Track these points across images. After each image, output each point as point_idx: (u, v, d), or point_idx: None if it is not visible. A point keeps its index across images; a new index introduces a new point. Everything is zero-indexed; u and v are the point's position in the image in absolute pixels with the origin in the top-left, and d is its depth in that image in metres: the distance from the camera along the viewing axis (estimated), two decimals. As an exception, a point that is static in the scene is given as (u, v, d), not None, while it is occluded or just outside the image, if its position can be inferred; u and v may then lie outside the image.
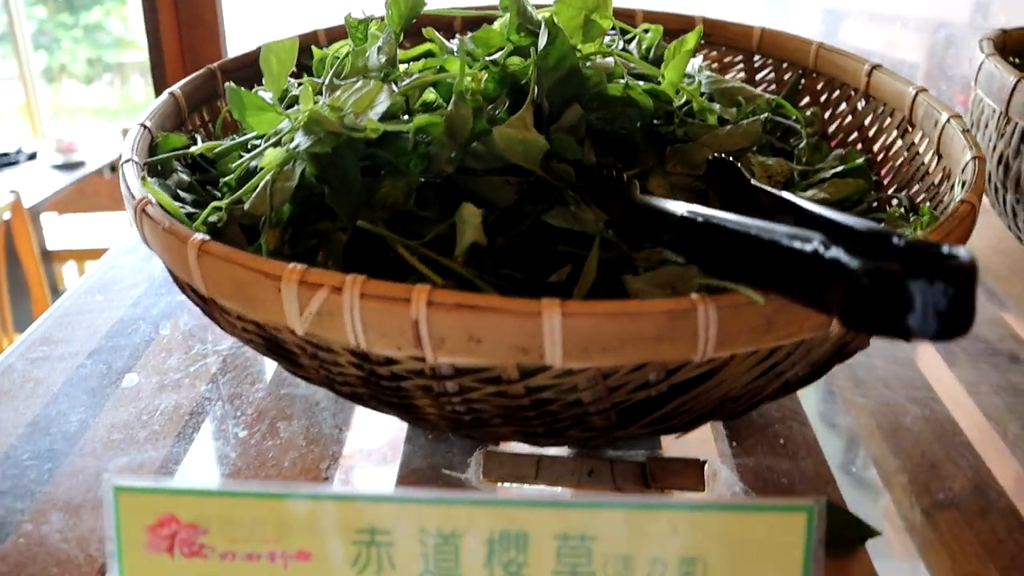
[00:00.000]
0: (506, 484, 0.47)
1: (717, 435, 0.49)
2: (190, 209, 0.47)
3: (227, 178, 0.48)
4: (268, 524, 0.32)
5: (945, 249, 0.27)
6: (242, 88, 0.48)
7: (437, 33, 0.57)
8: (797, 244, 0.31)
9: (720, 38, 0.73)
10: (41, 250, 2.28)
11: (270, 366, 0.55)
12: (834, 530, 0.41)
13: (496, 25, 0.54)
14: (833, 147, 0.60)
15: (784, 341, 0.36)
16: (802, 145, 0.56)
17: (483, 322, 0.33)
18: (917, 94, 0.53)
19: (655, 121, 0.53)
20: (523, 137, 0.44)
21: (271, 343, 0.41)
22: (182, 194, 0.49)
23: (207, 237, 0.38)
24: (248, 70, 0.62)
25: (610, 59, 0.54)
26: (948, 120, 0.50)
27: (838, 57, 0.63)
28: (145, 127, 0.51)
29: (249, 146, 0.51)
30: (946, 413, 0.51)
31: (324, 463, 0.47)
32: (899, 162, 0.55)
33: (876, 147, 0.58)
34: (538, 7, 0.54)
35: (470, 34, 0.54)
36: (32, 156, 2.49)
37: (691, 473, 0.45)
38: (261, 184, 0.44)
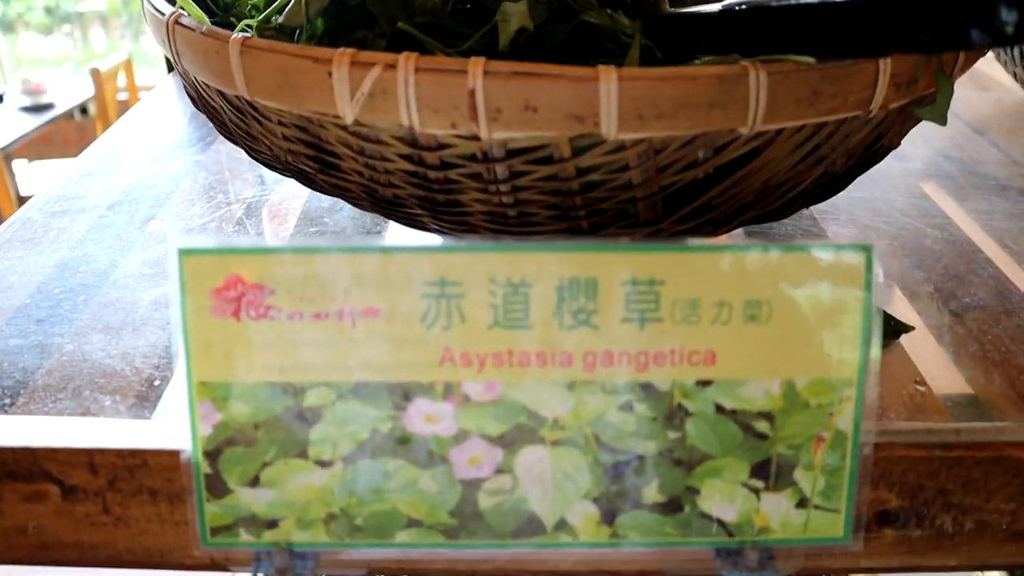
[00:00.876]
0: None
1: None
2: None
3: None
4: (336, 281, 0.32)
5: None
6: None
7: None
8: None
9: None
10: (17, 196, 2.24)
11: (296, 207, 0.55)
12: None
13: None
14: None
15: (828, 117, 0.36)
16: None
17: (540, 89, 0.34)
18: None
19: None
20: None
21: (313, 147, 0.41)
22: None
23: (248, 34, 0.38)
24: None
25: None
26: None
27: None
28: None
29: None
30: (964, 235, 0.53)
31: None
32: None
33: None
34: None
35: None
36: (-1, 98, 2.43)
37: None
38: (295, -5, 0.44)
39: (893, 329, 0.44)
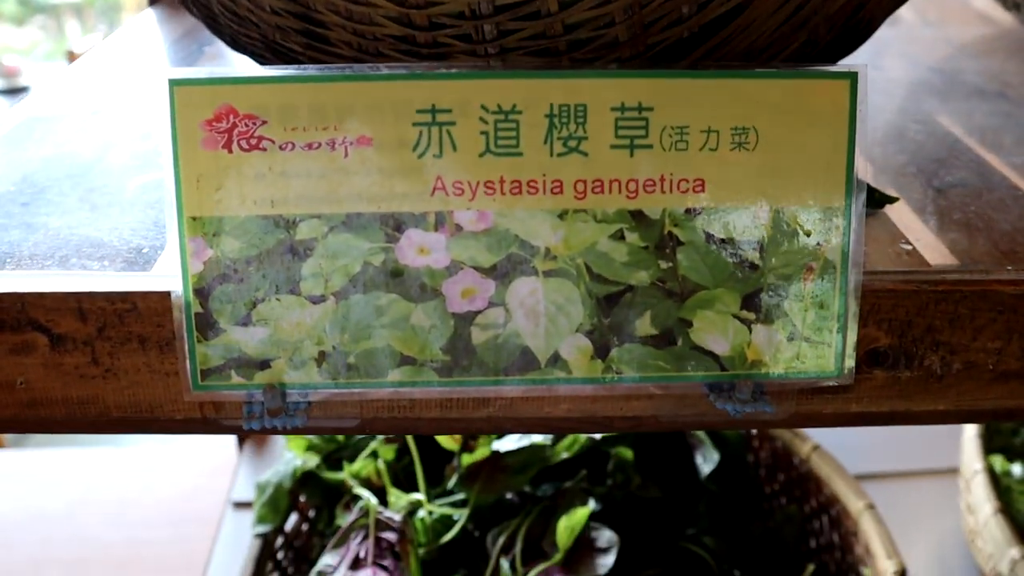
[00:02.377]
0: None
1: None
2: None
3: None
4: (327, 110, 0.32)
5: None
6: None
7: None
8: None
9: None
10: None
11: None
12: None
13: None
14: None
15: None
16: None
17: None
18: None
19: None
20: None
21: (301, 18, 0.41)
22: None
23: None
24: None
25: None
26: None
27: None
28: None
29: None
30: (945, 129, 0.53)
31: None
32: None
33: None
34: None
35: None
36: (-27, 83, 2.41)
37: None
38: None
39: (877, 200, 0.44)
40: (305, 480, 0.74)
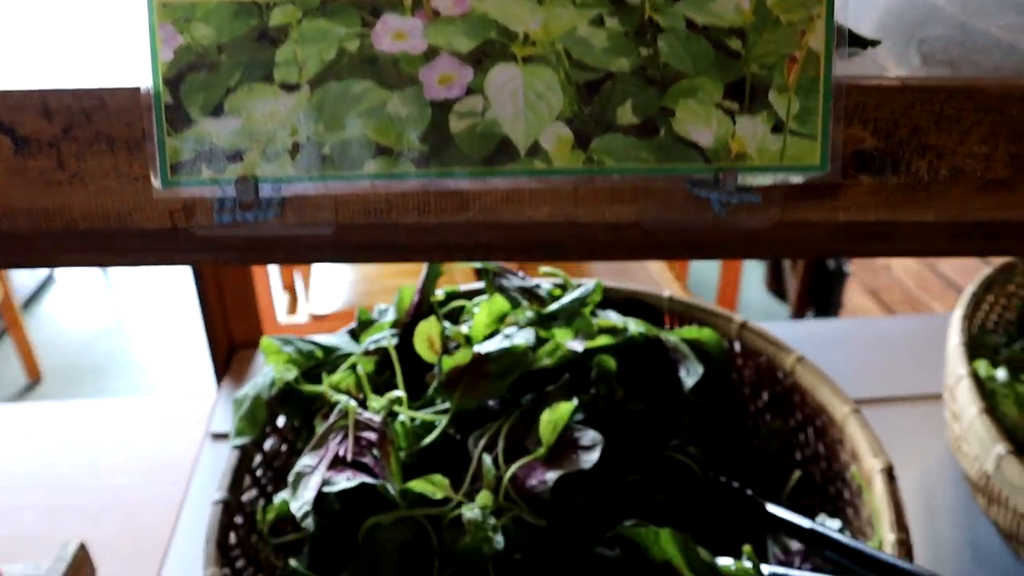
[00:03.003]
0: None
1: None
2: None
3: None
4: None
5: None
6: None
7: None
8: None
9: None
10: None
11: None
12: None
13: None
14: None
15: None
16: None
17: None
18: None
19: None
20: None
21: None
22: None
23: None
24: None
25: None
26: None
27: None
28: None
29: None
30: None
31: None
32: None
33: None
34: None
35: None
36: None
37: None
38: None
39: (860, 41, 0.44)
40: (284, 396, 0.73)
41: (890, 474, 0.63)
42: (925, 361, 0.97)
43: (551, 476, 0.59)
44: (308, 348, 0.75)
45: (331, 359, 0.75)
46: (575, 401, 0.63)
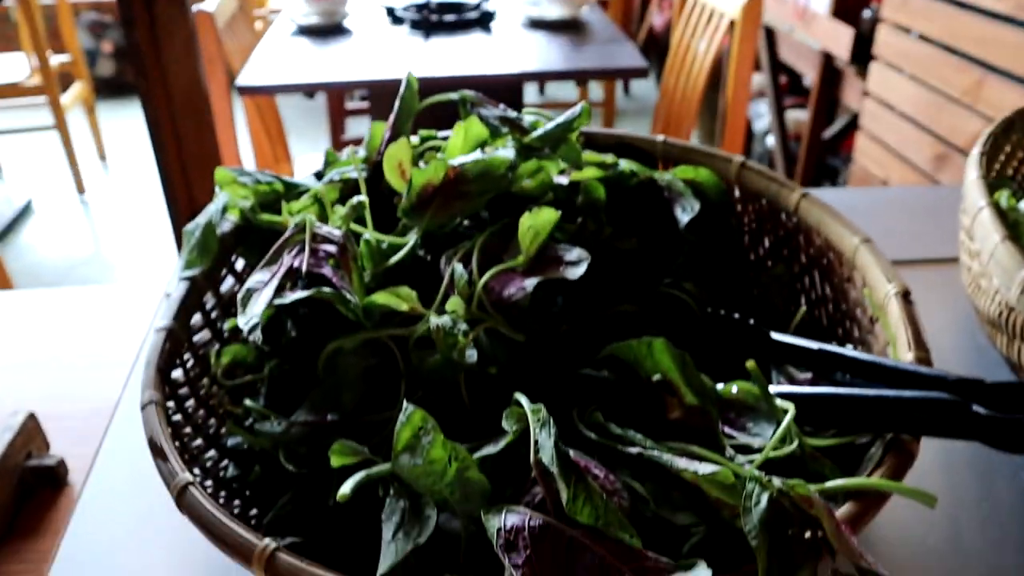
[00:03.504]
0: None
1: None
2: None
3: None
4: None
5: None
6: None
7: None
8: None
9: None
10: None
11: None
12: None
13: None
14: None
15: None
16: None
17: None
18: None
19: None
20: None
21: None
22: None
23: None
24: None
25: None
26: None
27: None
28: None
29: None
30: None
31: None
32: None
33: None
34: None
35: None
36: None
37: None
38: None
39: None
40: (240, 233, 0.66)
41: (907, 298, 0.57)
42: (939, 228, 0.91)
43: (530, 283, 0.53)
44: (267, 180, 0.68)
45: (292, 193, 0.68)
46: (559, 212, 0.56)
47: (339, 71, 1.96)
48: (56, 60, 3.10)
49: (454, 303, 0.52)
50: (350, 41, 2.24)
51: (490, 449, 0.45)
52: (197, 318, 0.64)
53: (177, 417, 0.57)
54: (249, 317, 0.53)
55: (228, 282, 0.69)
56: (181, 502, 0.46)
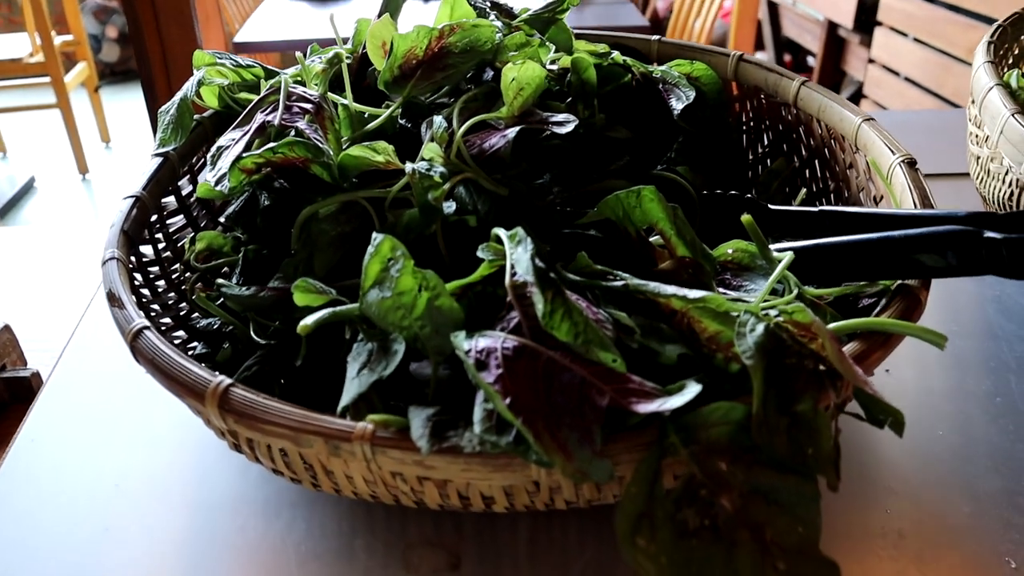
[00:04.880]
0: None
1: None
2: None
3: None
4: None
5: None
6: None
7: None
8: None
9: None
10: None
11: None
12: None
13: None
14: None
15: None
16: None
17: None
18: None
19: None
20: None
21: None
22: None
23: None
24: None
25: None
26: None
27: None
28: None
29: None
30: None
31: None
32: None
33: None
34: None
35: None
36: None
37: None
38: None
39: None
40: (220, 120, 0.64)
41: (913, 166, 0.54)
42: (948, 146, 0.88)
43: (511, 131, 0.50)
44: (247, 64, 0.65)
45: (272, 77, 0.66)
46: (545, 70, 0.53)
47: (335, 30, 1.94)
48: (60, 40, 3.09)
49: (431, 149, 0.49)
50: (349, 4, 2.22)
51: (463, 280, 0.42)
52: (171, 202, 0.62)
53: (145, 291, 0.55)
54: (217, 170, 0.50)
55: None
56: (136, 347, 0.43)
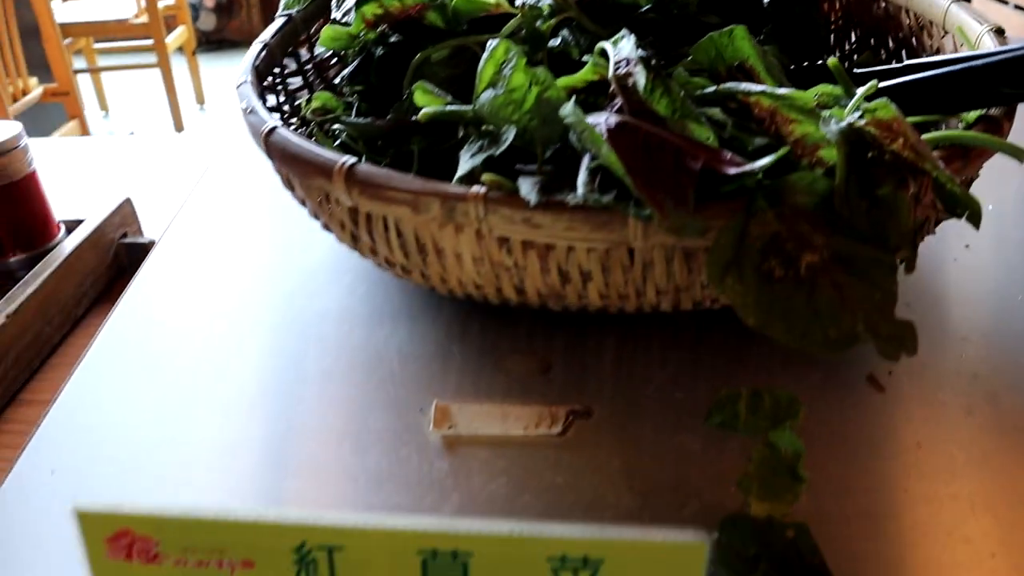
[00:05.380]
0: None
1: None
2: None
3: None
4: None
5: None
6: None
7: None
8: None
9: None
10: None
11: None
12: None
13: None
14: None
15: None
16: None
17: None
18: None
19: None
20: None
21: None
22: None
23: None
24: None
25: None
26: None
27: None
28: None
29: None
30: None
31: None
32: None
33: None
34: None
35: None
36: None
37: None
38: None
39: None
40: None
41: (1001, 34, 0.56)
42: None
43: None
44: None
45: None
46: None
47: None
48: (162, 4, 3.24)
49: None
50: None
51: (570, 78, 0.46)
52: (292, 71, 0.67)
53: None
54: (344, 7, 0.55)
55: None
56: (269, 141, 0.48)
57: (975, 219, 0.41)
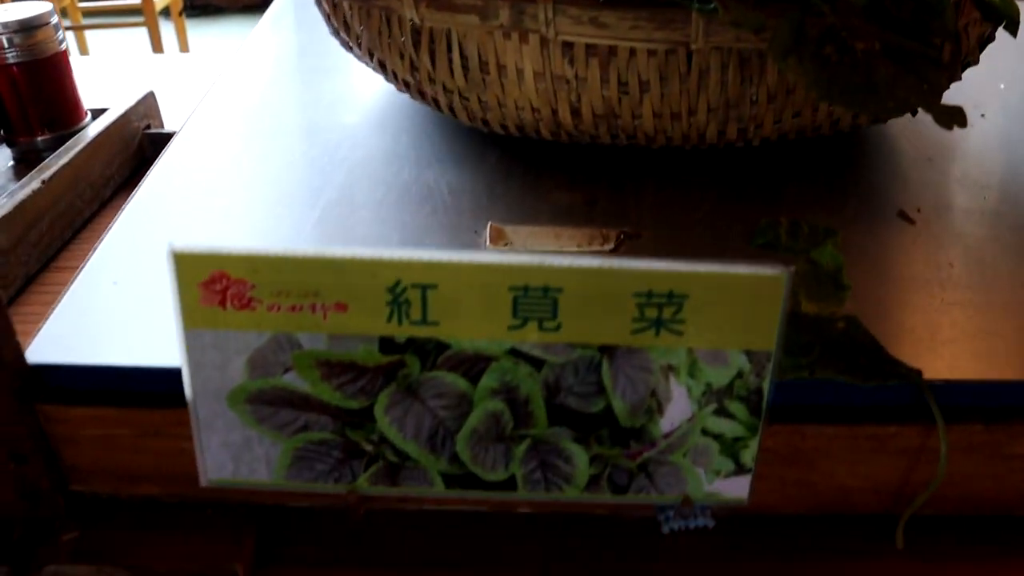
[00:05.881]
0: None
1: None
2: None
3: None
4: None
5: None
6: None
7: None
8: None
9: None
10: None
11: None
12: None
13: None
14: None
15: None
16: None
17: None
18: None
19: None
20: None
21: None
22: None
23: None
24: None
25: None
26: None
27: None
28: None
29: None
30: None
31: None
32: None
33: None
34: None
35: None
36: None
37: None
38: None
39: None
40: None
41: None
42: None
43: None
44: None
45: None
46: None
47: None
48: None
49: None
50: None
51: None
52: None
53: None
54: None
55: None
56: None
57: (1013, 27, 0.44)
